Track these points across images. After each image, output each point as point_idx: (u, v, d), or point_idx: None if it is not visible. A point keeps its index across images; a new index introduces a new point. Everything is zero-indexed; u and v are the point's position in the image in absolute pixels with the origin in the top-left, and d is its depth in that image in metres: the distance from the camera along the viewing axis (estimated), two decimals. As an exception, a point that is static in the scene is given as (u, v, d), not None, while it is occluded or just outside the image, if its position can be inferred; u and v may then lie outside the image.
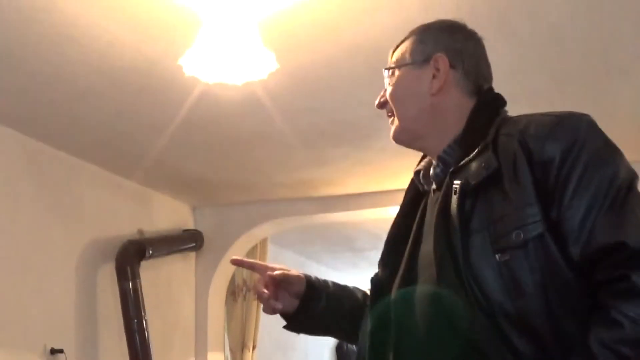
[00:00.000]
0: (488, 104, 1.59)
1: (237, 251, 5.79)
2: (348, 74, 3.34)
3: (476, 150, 1.45)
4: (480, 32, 2.99)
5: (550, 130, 1.39)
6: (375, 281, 1.65)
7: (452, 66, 1.60)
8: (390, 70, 1.68)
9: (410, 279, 1.53)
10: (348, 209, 5.44)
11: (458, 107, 1.59)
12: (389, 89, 1.67)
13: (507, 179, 1.38)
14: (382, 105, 1.69)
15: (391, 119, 1.67)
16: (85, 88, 3.44)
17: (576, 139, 1.37)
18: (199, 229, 5.72)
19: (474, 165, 1.43)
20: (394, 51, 1.70)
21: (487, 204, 1.39)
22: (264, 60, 2.58)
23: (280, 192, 5.36)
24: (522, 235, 1.33)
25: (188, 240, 5.55)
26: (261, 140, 4.23)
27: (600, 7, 2.83)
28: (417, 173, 1.67)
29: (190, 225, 5.74)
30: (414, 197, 1.67)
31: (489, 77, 1.67)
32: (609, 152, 1.39)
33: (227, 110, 3.76)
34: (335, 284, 1.86)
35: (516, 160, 1.38)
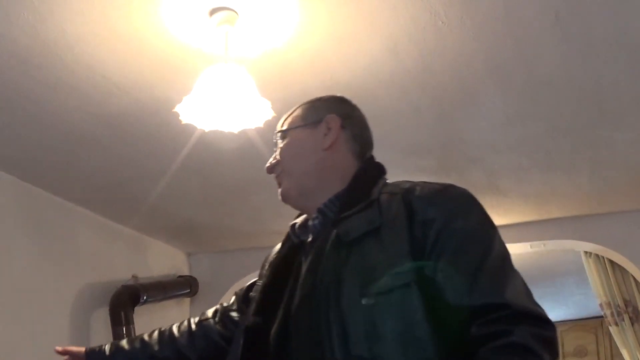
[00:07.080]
0: (372, 168, 1.68)
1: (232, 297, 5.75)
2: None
3: (361, 205, 1.52)
4: (476, 81, 3.03)
5: (434, 194, 1.49)
6: (249, 329, 1.63)
7: (342, 127, 1.69)
8: (282, 134, 1.74)
9: (287, 326, 1.53)
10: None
11: (344, 166, 1.67)
12: (282, 149, 1.72)
13: (385, 233, 1.45)
14: (272, 168, 1.75)
15: (279, 180, 1.73)
16: (81, 134, 3.45)
17: (457, 208, 1.47)
18: (194, 275, 5.70)
19: (356, 218, 1.50)
20: (283, 121, 1.77)
21: (361, 256, 1.44)
22: (260, 108, 2.59)
23: (275, 239, 5.26)
24: (389, 282, 1.37)
25: (183, 286, 5.51)
26: (257, 187, 4.23)
27: (593, 55, 2.86)
28: (292, 226, 1.73)
29: (185, 271, 5.72)
30: (290, 249, 1.72)
31: (371, 145, 1.75)
32: (487, 226, 1.48)
33: (223, 158, 3.76)
34: (139, 340, 2.19)
35: (397, 216, 1.46)
